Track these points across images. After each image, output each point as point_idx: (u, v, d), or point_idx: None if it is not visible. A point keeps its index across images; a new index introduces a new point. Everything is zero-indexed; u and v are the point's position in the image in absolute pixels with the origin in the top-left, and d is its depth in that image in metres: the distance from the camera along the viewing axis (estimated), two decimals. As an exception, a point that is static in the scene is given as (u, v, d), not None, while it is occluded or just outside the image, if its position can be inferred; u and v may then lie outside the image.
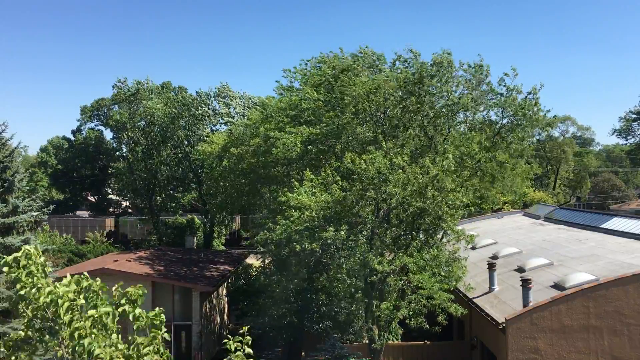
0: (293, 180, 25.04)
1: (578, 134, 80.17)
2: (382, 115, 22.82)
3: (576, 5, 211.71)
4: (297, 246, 17.50)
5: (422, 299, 17.56)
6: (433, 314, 18.61)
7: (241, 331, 7.03)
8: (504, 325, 17.68)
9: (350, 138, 22.45)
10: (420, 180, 17.55)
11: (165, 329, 6.72)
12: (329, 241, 18.15)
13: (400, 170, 17.76)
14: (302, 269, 21.47)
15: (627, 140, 77.83)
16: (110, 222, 63.17)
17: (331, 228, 17.46)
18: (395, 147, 18.87)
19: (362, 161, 18.02)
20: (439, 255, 18.25)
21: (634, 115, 73.42)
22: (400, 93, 21.95)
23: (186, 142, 48.23)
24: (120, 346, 6.33)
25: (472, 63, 23.29)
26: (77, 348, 5.95)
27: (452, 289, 18.63)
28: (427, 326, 18.80)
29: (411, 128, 22.47)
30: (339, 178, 18.82)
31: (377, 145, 19.73)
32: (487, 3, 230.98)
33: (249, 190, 29.22)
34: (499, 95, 23.06)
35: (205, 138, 46.41)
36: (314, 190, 18.35)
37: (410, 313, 18.24)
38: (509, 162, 22.15)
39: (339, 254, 19.11)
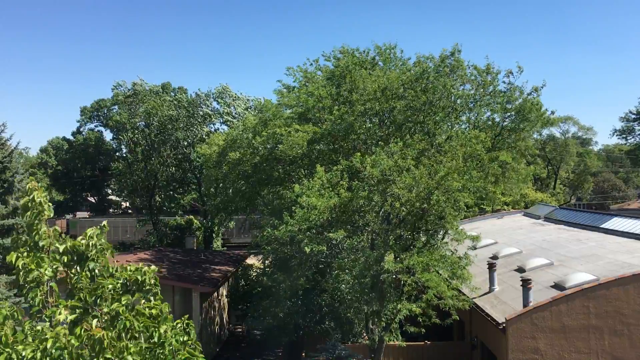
0: (298, 176, 24.91)
1: (579, 134, 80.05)
2: (387, 115, 22.79)
3: (576, 5, 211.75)
4: (307, 248, 17.40)
5: (434, 297, 17.53)
6: (438, 314, 18.63)
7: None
8: (504, 325, 17.68)
9: (358, 136, 22.31)
10: (427, 183, 17.49)
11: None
12: (334, 242, 18.11)
13: (406, 173, 17.68)
14: (305, 270, 21.43)
15: (627, 140, 77.77)
16: (61, 224, 63.04)
17: (341, 231, 17.39)
18: (401, 148, 18.73)
19: (368, 164, 17.85)
20: (445, 254, 18.21)
21: (634, 116, 73.33)
22: (402, 90, 21.87)
23: (185, 144, 48.25)
24: None
25: (479, 66, 23.34)
26: None
27: (455, 287, 18.63)
28: (438, 321, 18.83)
29: (415, 127, 22.42)
30: (347, 178, 18.71)
31: (383, 144, 19.62)
32: (487, 3, 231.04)
33: (249, 192, 29.12)
34: (502, 93, 23.09)
35: (205, 138, 46.38)
36: (321, 191, 18.24)
37: (419, 312, 18.23)
38: (511, 164, 22.12)
39: (341, 255, 19.07)
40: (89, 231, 6.89)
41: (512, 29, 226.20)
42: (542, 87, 23.37)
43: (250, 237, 46.35)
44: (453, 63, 23.12)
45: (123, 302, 6.19)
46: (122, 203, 73.64)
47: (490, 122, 24.03)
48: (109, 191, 73.99)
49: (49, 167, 73.86)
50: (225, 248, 51.35)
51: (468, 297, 19.32)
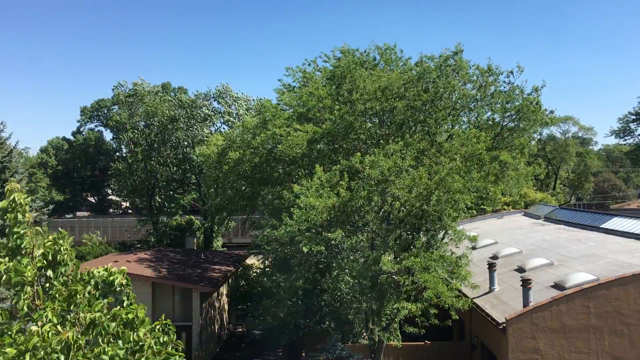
0: (298, 176, 24.89)
1: (579, 134, 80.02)
2: (386, 115, 22.82)
3: (576, 5, 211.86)
4: (305, 248, 17.39)
5: (433, 297, 17.50)
6: (438, 312, 18.62)
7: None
8: (504, 325, 17.67)
9: (358, 135, 22.31)
10: (427, 183, 17.47)
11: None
12: (333, 242, 18.08)
13: (405, 173, 17.67)
14: (305, 270, 21.41)
15: (625, 140, 77.78)
16: None
17: (340, 231, 17.37)
18: (400, 148, 18.72)
19: (367, 165, 17.82)
20: (444, 255, 18.20)
21: (633, 117, 73.34)
22: (403, 90, 21.88)
23: (185, 144, 48.25)
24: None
25: (482, 66, 23.34)
26: None
27: (454, 288, 18.60)
28: (437, 322, 18.80)
29: (416, 126, 22.44)
30: (347, 178, 18.70)
31: (384, 144, 19.60)
32: (487, 3, 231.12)
33: (249, 192, 29.11)
34: (503, 93, 23.11)
35: (206, 139, 46.39)
36: (320, 192, 18.22)
37: (418, 313, 18.22)
38: (511, 163, 22.12)
39: (341, 254, 19.06)
40: (53, 236, 6.89)
41: (512, 29, 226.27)
42: (542, 87, 23.39)
43: (249, 238, 46.43)
44: (455, 62, 23.10)
45: (96, 309, 6.21)
46: (122, 203, 73.61)
47: (490, 122, 24.03)
48: (109, 191, 73.97)
49: (49, 167, 73.82)
50: (225, 248, 51.38)
51: (468, 297, 19.32)
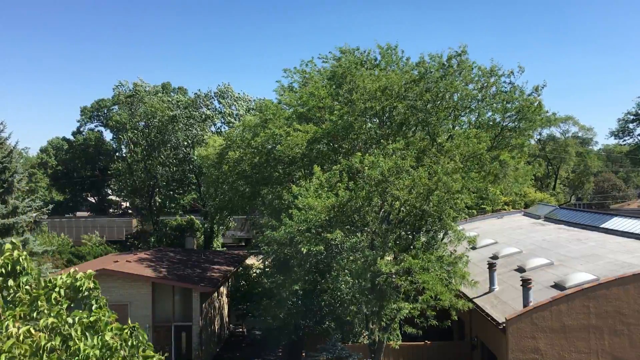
0: (298, 176, 24.89)
1: (579, 134, 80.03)
2: (387, 115, 22.82)
3: (576, 5, 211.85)
4: (304, 248, 17.37)
5: (431, 299, 17.47)
6: (437, 314, 18.60)
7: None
8: (504, 325, 17.67)
9: (358, 135, 22.30)
10: (427, 184, 17.46)
11: None
12: (332, 243, 18.07)
13: (405, 174, 17.66)
14: (305, 270, 21.37)
15: (624, 141, 77.77)
16: None
17: (338, 232, 17.36)
18: (402, 147, 18.70)
19: (367, 165, 17.80)
20: (442, 255, 18.18)
21: (632, 117, 73.33)
22: (404, 90, 21.87)
23: (185, 144, 48.26)
24: None
25: (484, 67, 23.35)
26: None
27: (454, 288, 18.58)
28: (436, 322, 18.81)
29: (417, 126, 22.44)
30: (347, 178, 18.67)
31: (382, 145, 19.61)
32: (487, 3, 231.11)
33: (249, 192, 29.10)
34: (504, 94, 23.13)
35: (206, 140, 46.42)
36: (319, 192, 18.20)
37: (417, 313, 18.21)
38: (510, 163, 22.12)
39: (341, 255, 19.05)
40: (8, 246, 6.93)
41: (512, 29, 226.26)
42: (542, 87, 23.39)
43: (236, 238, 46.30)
44: (459, 63, 23.07)
45: (53, 314, 6.23)
46: (122, 203, 73.65)
47: (491, 123, 24.04)
48: (109, 191, 74.00)
49: (49, 167, 73.86)
50: (225, 248, 51.40)
51: (468, 297, 19.30)
